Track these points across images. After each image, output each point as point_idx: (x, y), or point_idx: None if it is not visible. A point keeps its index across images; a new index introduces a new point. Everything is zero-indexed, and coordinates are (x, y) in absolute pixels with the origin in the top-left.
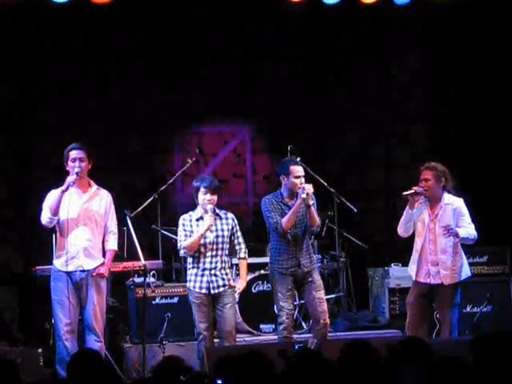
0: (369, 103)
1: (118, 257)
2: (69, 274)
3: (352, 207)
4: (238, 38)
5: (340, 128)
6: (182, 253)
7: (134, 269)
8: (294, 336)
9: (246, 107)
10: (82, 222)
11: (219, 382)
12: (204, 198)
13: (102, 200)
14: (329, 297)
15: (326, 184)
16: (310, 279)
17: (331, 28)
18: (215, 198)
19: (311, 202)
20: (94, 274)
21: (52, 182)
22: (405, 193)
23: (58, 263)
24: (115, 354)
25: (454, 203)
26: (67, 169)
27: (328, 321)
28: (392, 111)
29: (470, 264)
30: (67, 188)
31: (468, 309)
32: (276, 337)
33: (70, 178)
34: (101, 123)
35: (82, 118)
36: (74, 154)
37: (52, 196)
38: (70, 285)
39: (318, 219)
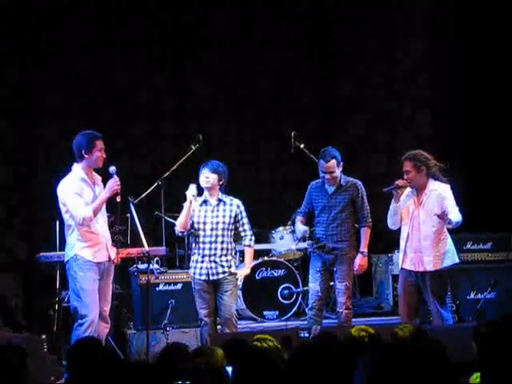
0: (374, 89)
1: (121, 243)
2: (97, 264)
3: None
4: (242, 24)
5: (344, 114)
6: (176, 231)
7: (138, 255)
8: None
9: (251, 94)
10: (101, 213)
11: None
12: (202, 177)
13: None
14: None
15: None
16: (335, 268)
17: (336, 14)
18: (214, 176)
19: None
20: (115, 261)
21: (57, 169)
22: (385, 189)
23: (86, 254)
24: (119, 340)
25: (438, 189)
26: (85, 156)
27: (344, 311)
28: (397, 97)
29: (474, 251)
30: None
31: (472, 295)
32: (280, 323)
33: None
34: (105, 110)
35: (87, 104)
36: (101, 143)
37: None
38: (99, 275)
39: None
